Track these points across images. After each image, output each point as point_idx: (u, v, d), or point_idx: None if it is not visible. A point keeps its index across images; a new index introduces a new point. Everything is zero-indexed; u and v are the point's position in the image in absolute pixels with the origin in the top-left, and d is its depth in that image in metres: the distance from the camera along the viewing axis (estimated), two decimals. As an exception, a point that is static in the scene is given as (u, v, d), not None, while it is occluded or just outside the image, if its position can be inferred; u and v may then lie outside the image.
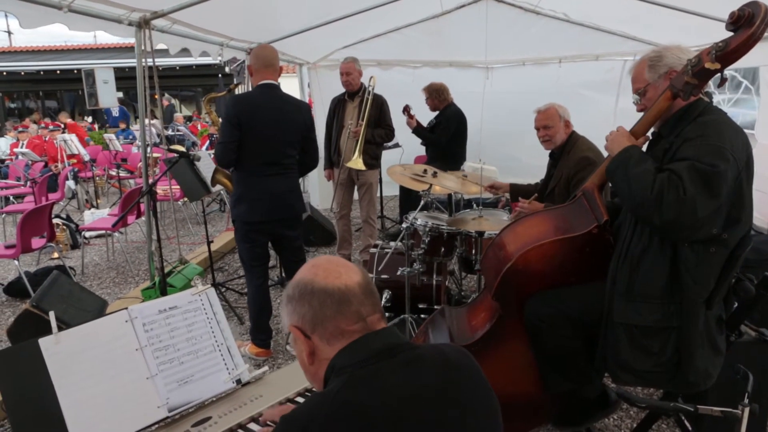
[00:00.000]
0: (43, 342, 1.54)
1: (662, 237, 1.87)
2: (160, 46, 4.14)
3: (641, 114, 2.06)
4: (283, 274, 4.66)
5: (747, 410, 1.60)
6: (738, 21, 1.65)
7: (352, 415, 0.94)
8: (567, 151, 3.19)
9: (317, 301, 1.09)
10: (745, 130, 1.92)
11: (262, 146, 3.16)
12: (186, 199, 7.35)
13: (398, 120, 5.47)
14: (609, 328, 1.99)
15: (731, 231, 1.81)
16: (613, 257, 2.02)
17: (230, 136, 3.09)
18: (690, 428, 2.10)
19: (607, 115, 6.77)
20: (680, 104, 1.92)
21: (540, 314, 2.11)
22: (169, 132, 10.91)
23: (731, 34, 1.70)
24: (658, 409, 1.92)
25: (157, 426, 1.61)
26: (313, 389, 1.80)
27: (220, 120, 3.25)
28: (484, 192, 3.53)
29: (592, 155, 3.10)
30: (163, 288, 3.48)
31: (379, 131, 4.71)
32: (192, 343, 1.77)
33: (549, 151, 3.35)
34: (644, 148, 2.04)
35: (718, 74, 1.76)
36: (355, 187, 4.99)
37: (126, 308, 1.71)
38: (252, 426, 1.62)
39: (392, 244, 3.81)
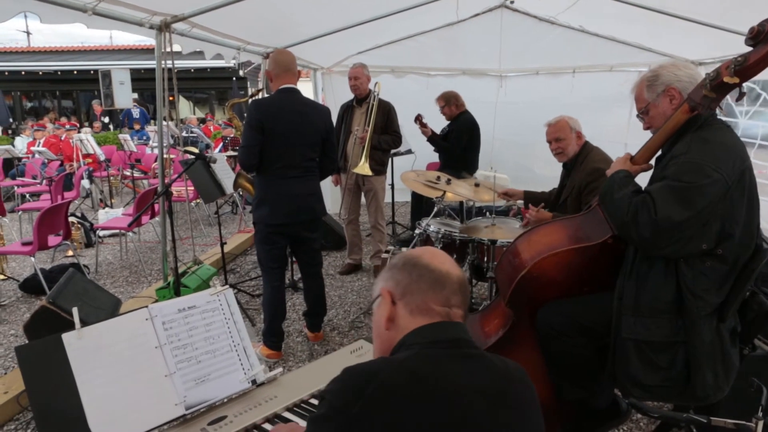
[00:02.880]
0: (66, 337, 1.58)
1: (648, 254, 1.90)
2: (195, 48, 4.20)
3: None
4: (295, 278, 4.70)
5: (761, 423, 1.60)
6: (758, 36, 1.66)
7: (412, 380, 0.99)
8: (580, 162, 3.20)
9: (417, 272, 1.17)
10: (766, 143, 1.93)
11: (284, 149, 3.19)
12: (198, 200, 7.43)
13: (411, 126, 5.51)
14: (618, 343, 2.00)
15: (725, 246, 1.83)
16: (620, 273, 2.03)
17: (253, 140, 3.14)
18: (701, 441, 2.10)
19: (620, 127, 6.77)
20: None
21: (552, 322, 2.13)
22: (184, 134, 11.01)
23: (750, 48, 1.71)
24: (670, 420, 1.93)
25: (174, 423, 1.64)
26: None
27: (243, 125, 3.29)
28: (498, 199, 3.55)
29: (604, 166, 3.09)
30: (177, 288, 3.52)
31: (385, 137, 4.74)
32: (209, 342, 1.80)
33: (562, 162, 3.36)
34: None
35: (737, 88, 1.77)
36: (362, 193, 5.03)
37: (146, 306, 1.74)
38: (266, 426, 1.64)
39: (404, 250, 3.83)
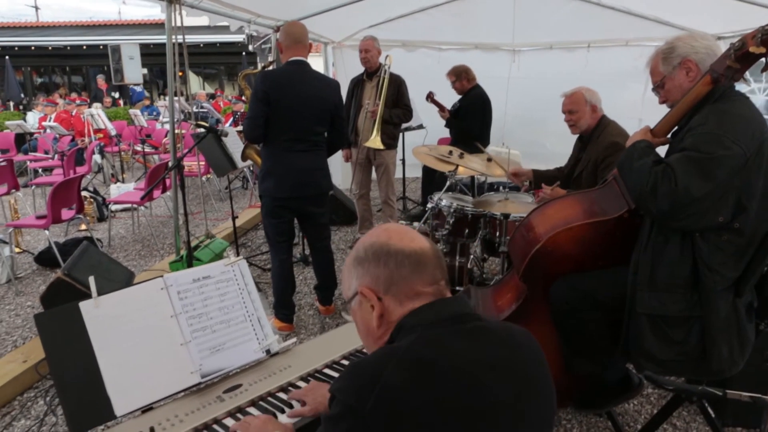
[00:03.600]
0: (84, 305, 1.59)
1: (665, 227, 1.88)
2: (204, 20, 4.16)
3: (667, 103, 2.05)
4: (306, 252, 4.72)
5: (776, 397, 1.59)
6: (786, 3, 1.61)
7: (420, 368, 0.96)
8: (596, 136, 3.15)
9: (394, 261, 1.09)
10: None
11: (290, 122, 3.16)
12: (209, 175, 7.44)
13: (422, 101, 5.44)
14: (632, 317, 1.99)
15: (741, 219, 1.80)
16: (636, 247, 2.01)
17: (258, 112, 3.11)
18: (713, 415, 2.10)
19: (634, 103, 6.66)
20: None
21: (566, 296, 2.12)
22: (194, 109, 11.00)
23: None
24: (685, 393, 1.93)
25: (190, 391, 1.66)
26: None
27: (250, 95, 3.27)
28: (506, 179, 3.52)
29: (621, 140, 3.05)
30: (189, 261, 3.54)
31: (396, 111, 4.70)
32: (224, 312, 1.81)
33: (576, 136, 3.32)
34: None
35: (763, 59, 1.73)
36: (373, 168, 5.00)
37: (161, 276, 1.75)
38: (281, 395, 1.66)
39: (415, 224, 3.83)
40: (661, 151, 2.04)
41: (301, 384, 1.70)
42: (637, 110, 6.55)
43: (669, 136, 2.03)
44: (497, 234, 3.36)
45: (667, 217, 1.82)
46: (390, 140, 4.73)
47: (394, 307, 1.10)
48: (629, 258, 2.03)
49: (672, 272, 1.89)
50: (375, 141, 4.40)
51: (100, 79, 14.43)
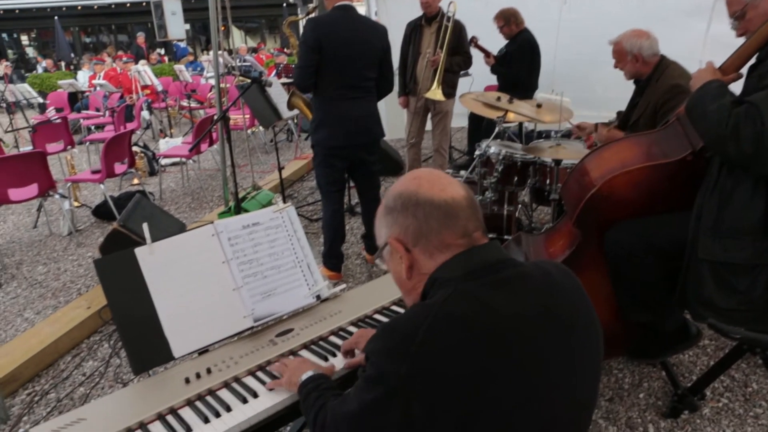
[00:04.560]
0: (139, 252, 1.63)
1: (744, 171, 1.76)
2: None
3: (735, 44, 1.88)
4: (352, 202, 4.72)
5: None
6: None
7: (455, 326, 0.92)
8: (655, 79, 2.97)
9: (422, 212, 1.03)
10: None
11: (341, 69, 3.11)
12: (254, 128, 7.49)
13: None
14: (692, 264, 1.91)
15: None
16: (700, 190, 1.90)
17: (309, 60, 3.06)
18: (777, 366, 2.02)
19: (695, 43, 6.22)
20: None
21: (622, 242, 2.05)
22: (237, 63, 11.02)
23: None
24: (752, 343, 1.85)
25: (244, 334, 1.69)
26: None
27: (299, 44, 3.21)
28: (563, 123, 3.38)
29: (683, 82, 2.87)
30: (237, 212, 3.60)
31: (456, 59, 4.53)
32: (274, 258, 1.82)
33: (631, 80, 3.14)
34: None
35: None
36: (429, 116, 4.89)
37: (212, 222, 1.77)
38: (333, 339, 1.67)
39: (462, 173, 3.76)
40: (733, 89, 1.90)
41: (352, 329, 1.71)
42: (698, 52, 6.13)
43: (746, 69, 1.88)
44: (547, 181, 3.26)
45: (750, 161, 1.69)
46: (450, 89, 4.58)
47: (424, 260, 1.05)
48: (690, 203, 1.93)
49: (740, 217, 1.78)
50: (435, 93, 4.29)
51: (140, 37, 14.58)
